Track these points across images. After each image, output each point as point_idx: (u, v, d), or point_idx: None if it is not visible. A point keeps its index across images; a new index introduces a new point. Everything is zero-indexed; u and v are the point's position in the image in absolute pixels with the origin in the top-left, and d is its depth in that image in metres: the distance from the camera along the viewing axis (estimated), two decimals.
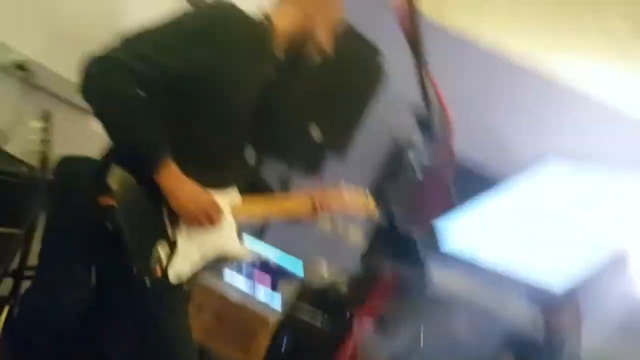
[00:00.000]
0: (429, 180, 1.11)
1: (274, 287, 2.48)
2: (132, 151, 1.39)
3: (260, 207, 1.71)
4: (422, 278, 1.34)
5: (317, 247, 2.79)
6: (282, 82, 1.72)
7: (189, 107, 1.48)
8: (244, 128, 1.65)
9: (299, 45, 1.65)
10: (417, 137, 1.16)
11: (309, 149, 3.13)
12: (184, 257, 1.43)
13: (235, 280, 2.47)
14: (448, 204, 1.15)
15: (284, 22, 1.62)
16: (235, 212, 1.60)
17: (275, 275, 2.51)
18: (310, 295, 2.41)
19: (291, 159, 3.17)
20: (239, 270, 2.50)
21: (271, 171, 2.13)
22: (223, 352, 2.79)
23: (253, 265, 2.50)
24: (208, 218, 1.47)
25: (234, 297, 2.32)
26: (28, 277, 1.85)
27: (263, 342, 2.31)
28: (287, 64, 1.71)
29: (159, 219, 1.42)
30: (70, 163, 1.67)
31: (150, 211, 1.41)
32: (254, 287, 2.46)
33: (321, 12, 1.64)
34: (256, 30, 1.57)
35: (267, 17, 1.62)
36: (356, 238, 2.78)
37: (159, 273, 1.38)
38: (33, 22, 1.99)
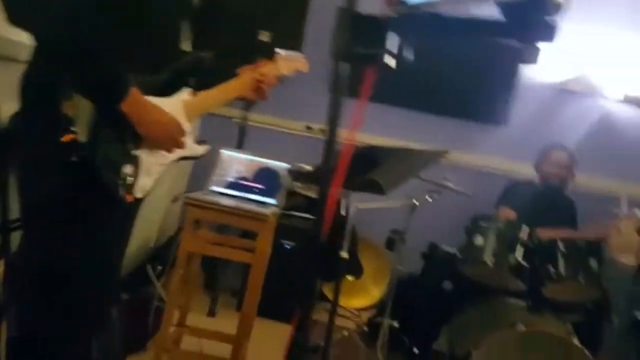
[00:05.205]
0: None
1: (268, 189, 2.46)
2: (92, 83, 1.25)
3: (209, 101, 1.69)
4: None
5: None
6: None
7: None
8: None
9: None
10: None
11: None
12: (147, 172, 1.43)
13: (225, 190, 2.45)
14: None
15: None
16: (189, 114, 1.56)
17: (264, 179, 2.49)
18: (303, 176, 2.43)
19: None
20: (227, 182, 2.46)
21: None
22: (230, 260, 2.84)
23: (239, 175, 2.47)
24: (176, 144, 1.46)
25: (228, 204, 2.30)
26: (15, 229, 1.80)
27: (267, 239, 2.32)
28: None
29: (121, 141, 1.36)
30: None
31: (111, 136, 1.32)
32: (245, 192, 2.44)
33: None
34: None
35: None
36: None
37: (127, 196, 1.36)
38: None
